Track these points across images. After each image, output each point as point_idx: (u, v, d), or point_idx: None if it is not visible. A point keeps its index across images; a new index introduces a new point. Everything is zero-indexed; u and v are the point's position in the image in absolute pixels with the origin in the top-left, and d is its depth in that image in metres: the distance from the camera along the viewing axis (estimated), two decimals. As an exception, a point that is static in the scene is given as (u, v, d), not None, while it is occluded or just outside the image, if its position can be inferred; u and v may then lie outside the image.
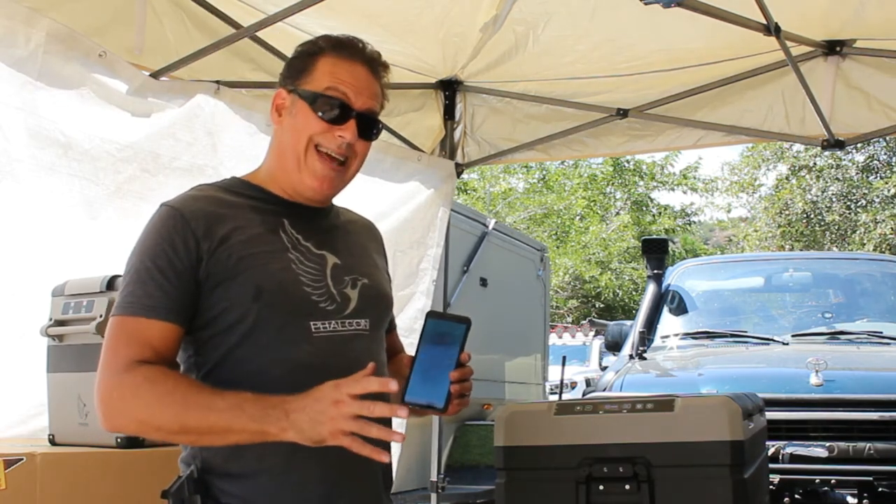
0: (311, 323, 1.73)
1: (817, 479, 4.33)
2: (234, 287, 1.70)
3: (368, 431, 1.52)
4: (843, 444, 4.32)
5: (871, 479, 4.27)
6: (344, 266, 1.83)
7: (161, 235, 1.71)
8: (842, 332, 5.45)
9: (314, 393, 1.55)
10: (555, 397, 7.45)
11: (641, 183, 25.12)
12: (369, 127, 1.82)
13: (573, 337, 18.49)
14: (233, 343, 1.71)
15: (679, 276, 6.18)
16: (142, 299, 1.68)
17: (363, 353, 1.78)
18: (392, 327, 2.02)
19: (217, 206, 1.77)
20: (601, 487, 2.10)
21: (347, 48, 1.82)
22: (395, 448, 4.15)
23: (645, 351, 5.35)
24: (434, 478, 4.69)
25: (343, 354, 1.74)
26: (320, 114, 1.77)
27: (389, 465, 1.88)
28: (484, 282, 7.61)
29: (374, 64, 1.84)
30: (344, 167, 1.81)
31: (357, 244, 1.94)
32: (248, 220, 1.77)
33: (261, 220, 1.78)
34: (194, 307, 1.71)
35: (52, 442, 2.57)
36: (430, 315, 1.77)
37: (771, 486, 4.09)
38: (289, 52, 1.93)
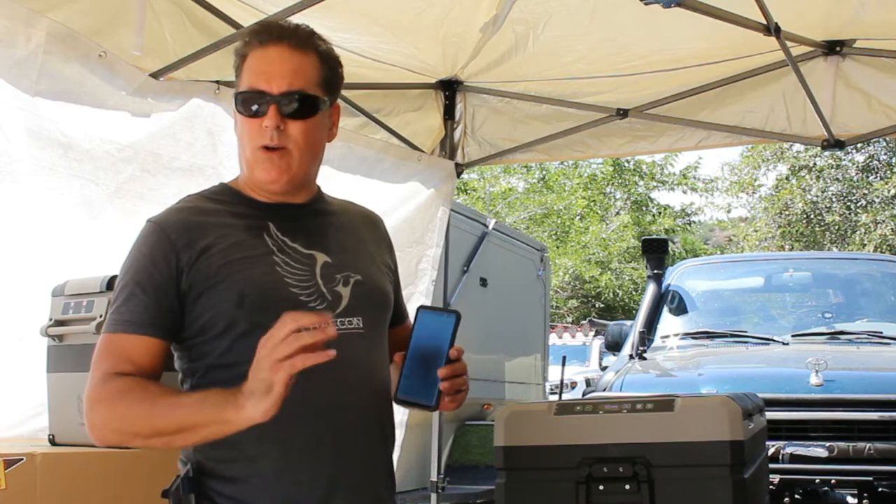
0: None
1: (817, 479, 4.32)
2: (217, 295, 1.70)
3: (297, 344, 1.49)
4: (843, 444, 4.32)
5: (871, 479, 4.27)
6: (335, 264, 1.81)
7: (143, 252, 1.74)
8: (842, 332, 5.44)
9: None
10: (555, 397, 7.45)
11: (641, 183, 25.12)
12: (298, 107, 1.74)
13: (573, 337, 18.48)
14: (224, 348, 1.71)
15: (679, 276, 6.18)
16: (124, 316, 1.70)
17: (357, 352, 1.77)
18: (401, 320, 1.99)
19: (199, 215, 1.77)
20: (601, 487, 2.10)
21: (260, 35, 1.78)
22: (396, 448, 4.15)
23: (645, 351, 5.35)
24: (434, 478, 4.69)
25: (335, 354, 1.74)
26: (249, 113, 1.75)
27: (390, 463, 1.87)
28: (484, 282, 7.61)
29: (291, 39, 1.77)
30: (286, 152, 1.75)
31: (352, 239, 1.90)
32: (230, 227, 1.77)
33: (244, 226, 1.78)
34: (178, 319, 1.72)
35: (52, 442, 2.57)
36: (421, 309, 1.75)
37: (771, 486, 4.09)
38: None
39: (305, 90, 1.75)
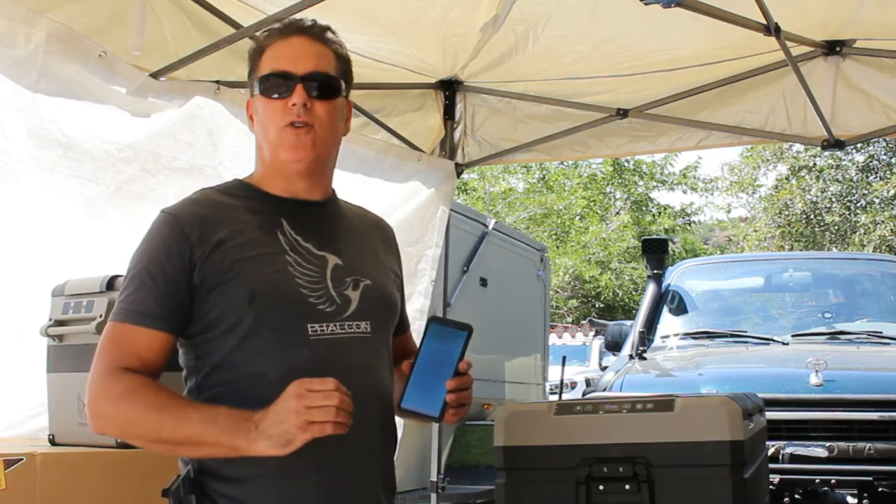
0: (309, 325, 1.72)
1: (817, 479, 4.32)
2: (229, 291, 1.70)
3: (334, 416, 1.55)
4: (843, 444, 4.32)
5: (871, 479, 4.26)
6: (346, 267, 1.81)
7: (156, 243, 1.74)
8: (842, 332, 5.44)
9: (279, 398, 1.58)
10: (555, 397, 7.45)
11: (641, 183, 25.12)
12: (323, 87, 1.80)
13: (573, 337, 18.47)
14: (231, 346, 1.71)
15: (679, 276, 6.18)
16: (134, 306, 1.70)
17: (363, 356, 1.78)
18: (404, 329, 2.01)
19: (214, 209, 1.77)
20: (601, 487, 2.10)
21: (281, 29, 1.84)
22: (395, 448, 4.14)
23: (645, 351, 5.35)
24: (434, 478, 4.69)
25: (342, 357, 1.73)
26: (274, 95, 1.78)
27: (390, 467, 1.88)
28: (484, 282, 7.61)
29: (312, 30, 1.84)
30: (312, 130, 1.78)
31: (363, 244, 1.91)
32: (244, 223, 1.77)
33: (258, 223, 1.78)
34: (188, 313, 1.72)
35: (52, 442, 2.57)
36: (432, 320, 1.75)
37: (771, 486, 4.09)
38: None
39: (329, 72, 1.81)
